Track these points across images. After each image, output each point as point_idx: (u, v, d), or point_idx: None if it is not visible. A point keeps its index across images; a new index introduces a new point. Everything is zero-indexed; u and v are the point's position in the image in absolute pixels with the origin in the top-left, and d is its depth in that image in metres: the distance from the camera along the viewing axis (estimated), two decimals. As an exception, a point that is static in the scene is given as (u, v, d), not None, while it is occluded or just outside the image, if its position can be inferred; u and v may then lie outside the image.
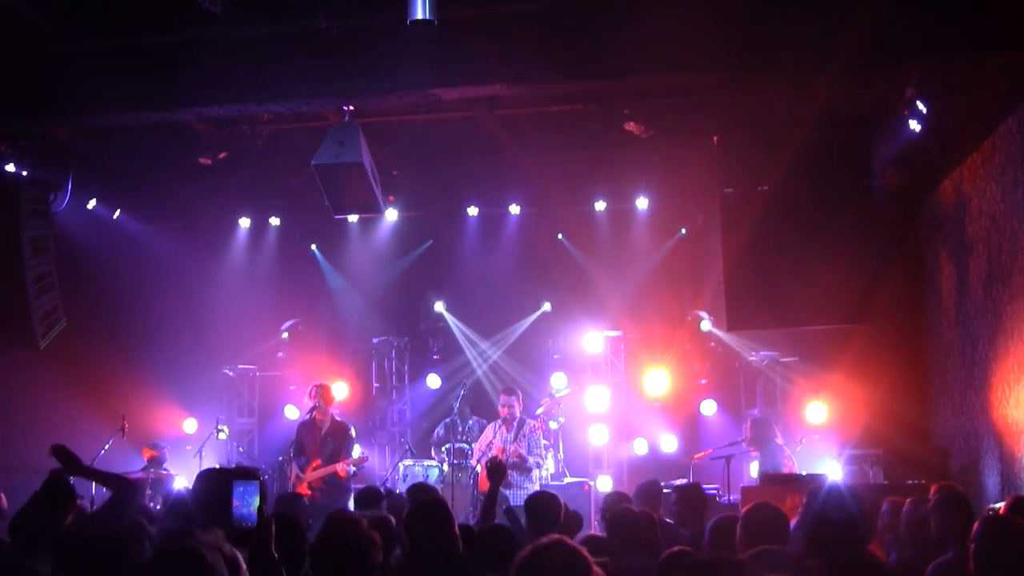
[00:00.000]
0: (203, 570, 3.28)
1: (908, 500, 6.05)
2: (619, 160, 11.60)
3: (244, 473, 4.23)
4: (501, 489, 10.20)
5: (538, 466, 10.81)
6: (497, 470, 6.63)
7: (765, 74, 8.27)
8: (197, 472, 4.88)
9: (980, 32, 7.53)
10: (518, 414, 10.77)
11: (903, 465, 10.18)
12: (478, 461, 10.66)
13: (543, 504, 6.07)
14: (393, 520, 5.70)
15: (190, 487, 4.93)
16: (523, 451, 10.55)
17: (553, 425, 11.72)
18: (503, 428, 10.73)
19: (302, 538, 4.75)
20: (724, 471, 9.67)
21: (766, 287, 9.26)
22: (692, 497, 7.30)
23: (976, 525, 4.52)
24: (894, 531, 6.03)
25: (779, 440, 10.02)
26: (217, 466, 5.94)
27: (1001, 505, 5.94)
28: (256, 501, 4.00)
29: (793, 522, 5.55)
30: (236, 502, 3.97)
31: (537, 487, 10.56)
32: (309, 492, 10.13)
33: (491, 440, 10.74)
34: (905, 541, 5.86)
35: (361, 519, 4.71)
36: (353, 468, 10.30)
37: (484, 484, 10.30)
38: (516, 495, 10.22)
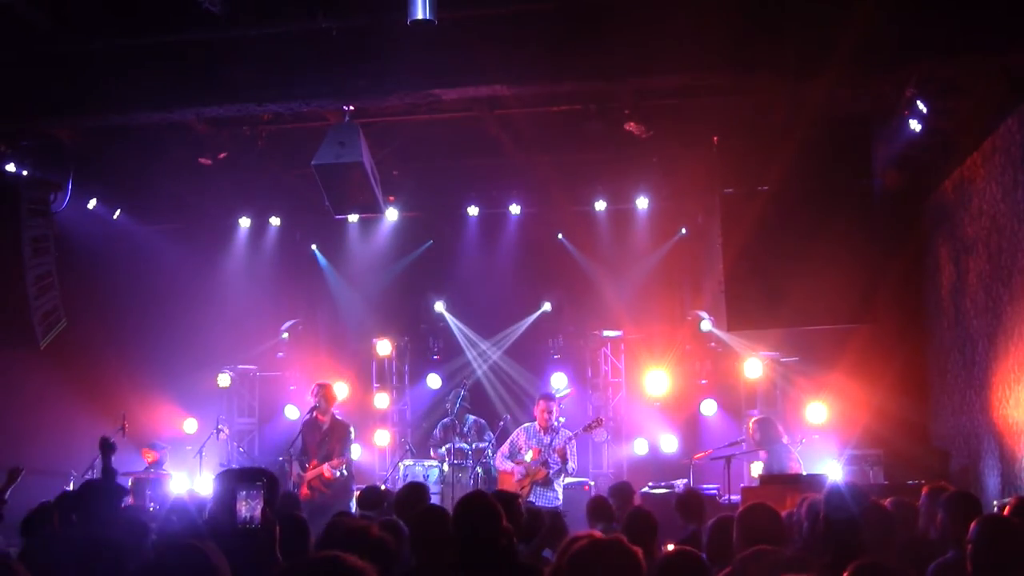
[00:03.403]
0: (207, 570, 3.27)
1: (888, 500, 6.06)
2: (619, 160, 11.60)
3: (252, 474, 4.23)
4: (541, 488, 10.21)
5: (573, 472, 10.71)
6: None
7: (765, 74, 8.26)
8: (216, 474, 4.88)
9: (980, 32, 7.53)
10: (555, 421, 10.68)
11: (903, 465, 10.19)
12: (504, 459, 10.56)
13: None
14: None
15: (192, 489, 4.95)
16: (564, 448, 10.39)
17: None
18: (540, 432, 10.58)
19: (306, 539, 4.75)
20: (724, 471, 9.66)
21: (766, 287, 9.24)
22: (690, 503, 7.44)
23: (973, 525, 4.52)
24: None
25: (785, 440, 10.02)
26: (233, 467, 5.95)
27: (1006, 503, 5.92)
28: (260, 503, 4.01)
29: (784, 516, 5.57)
30: (240, 504, 3.98)
31: (560, 491, 10.50)
32: (309, 492, 10.10)
33: (521, 441, 10.56)
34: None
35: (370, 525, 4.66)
36: (338, 472, 10.18)
37: (514, 485, 10.22)
38: (536, 492, 10.21)
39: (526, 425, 10.81)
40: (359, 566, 2.45)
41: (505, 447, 10.78)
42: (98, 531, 5.11)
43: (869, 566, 3.76)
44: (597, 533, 3.99)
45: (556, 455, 10.30)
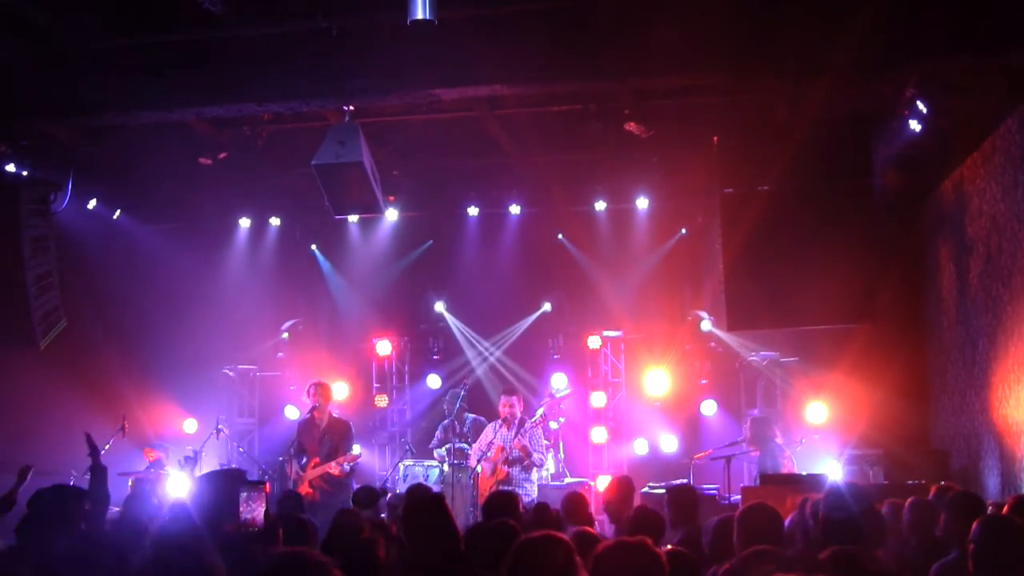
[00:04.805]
0: (205, 570, 3.29)
1: (909, 500, 6.05)
2: (619, 160, 11.60)
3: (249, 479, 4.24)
4: (505, 487, 10.22)
5: (541, 463, 10.77)
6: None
7: (765, 74, 8.27)
8: (199, 475, 4.87)
9: (980, 32, 7.53)
10: (519, 414, 10.73)
11: (903, 465, 10.17)
12: (478, 461, 10.64)
13: None
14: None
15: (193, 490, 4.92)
16: (527, 443, 10.47)
17: (553, 425, 11.69)
18: (503, 428, 10.69)
19: (309, 539, 4.75)
20: (724, 471, 9.66)
21: (766, 287, 9.25)
22: (682, 500, 7.12)
23: (975, 525, 4.52)
24: (896, 533, 6.03)
25: (779, 440, 10.02)
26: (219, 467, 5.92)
27: (1004, 504, 5.94)
28: (263, 505, 4.03)
29: (787, 520, 5.57)
30: (243, 507, 4.00)
31: (536, 486, 10.56)
32: (310, 490, 10.11)
33: (491, 440, 10.69)
34: (908, 541, 5.86)
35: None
36: (347, 466, 10.22)
37: (483, 484, 10.29)
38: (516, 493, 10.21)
39: (494, 422, 10.89)
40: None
41: (476, 446, 10.85)
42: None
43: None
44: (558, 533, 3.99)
45: (518, 450, 10.35)
